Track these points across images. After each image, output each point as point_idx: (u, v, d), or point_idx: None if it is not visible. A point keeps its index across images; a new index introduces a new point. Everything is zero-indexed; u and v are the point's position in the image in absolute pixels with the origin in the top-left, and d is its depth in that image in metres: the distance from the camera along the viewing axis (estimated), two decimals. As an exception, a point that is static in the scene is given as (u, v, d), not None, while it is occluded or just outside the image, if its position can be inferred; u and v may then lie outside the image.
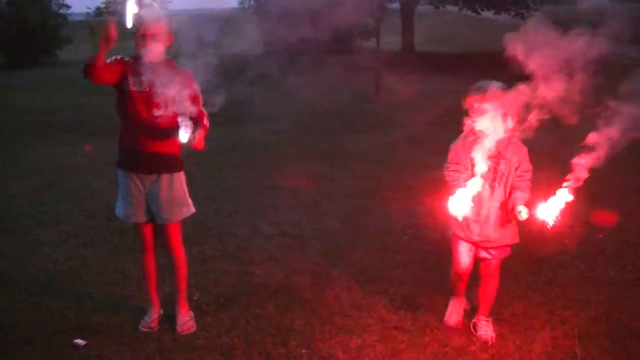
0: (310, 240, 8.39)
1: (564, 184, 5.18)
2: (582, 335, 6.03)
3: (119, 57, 5.80)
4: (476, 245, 6.03)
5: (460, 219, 5.64)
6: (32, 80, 24.44)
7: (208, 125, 5.89)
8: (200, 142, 5.72)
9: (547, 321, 6.30)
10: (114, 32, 5.41)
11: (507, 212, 5.82)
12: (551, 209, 5.28)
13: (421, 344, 5.96)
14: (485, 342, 5.99)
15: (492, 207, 5.86)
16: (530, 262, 7.46)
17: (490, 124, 5.59)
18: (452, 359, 5.77)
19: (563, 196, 5.22)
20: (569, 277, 7.27)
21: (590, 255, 7.80)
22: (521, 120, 5.37)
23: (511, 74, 5.05)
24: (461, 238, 6.03)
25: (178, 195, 6.06)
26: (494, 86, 5.65)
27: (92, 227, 8.85)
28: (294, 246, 8.26)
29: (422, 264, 7.65)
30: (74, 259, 7.86)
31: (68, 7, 35.55)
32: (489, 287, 6.17)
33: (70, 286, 7.14)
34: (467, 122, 5.78)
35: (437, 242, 8.18)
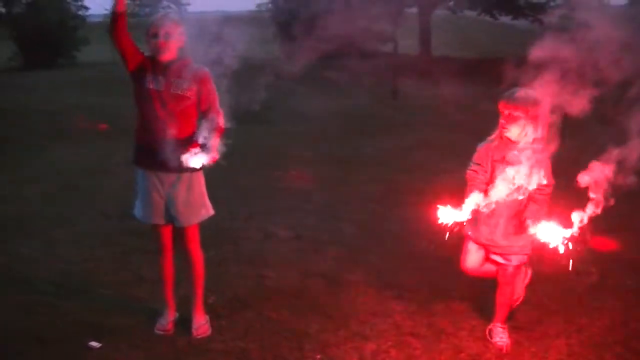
0: (326, 245, 8.39)
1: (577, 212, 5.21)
2: (598, 344, 6.01)
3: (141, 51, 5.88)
4: (485, 247, 6.07)
5: (464, 221, 5.66)
6: (50, 81, 24.50)
7: (223, 125, 5.89)
8: (214, 158, 5.76)
9: (562, 329, 6.27)
10: None
11: (520, 222, 5.80)
12: (561, 235, 5.32)
13: (436, 350, 5.94)
14: (500, 350, 5.97)
15: (504, 214, 5.86)
16: (547, 270, 7.41)
17: (518, 131, 5.66)
18: (467, 365, 5.75)
19: (575, 222, 5.23)
20: (585, 286, 7.23)
21: (606, 263, 7.76)
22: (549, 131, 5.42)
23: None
24: (470, 237, 6.09)
25: (197, 197, 6.06)
26: (527, 94, 5.61)
27: (107, 227, 8.88)
28: (309, 250, 8.25)
29: (438, 269, 7.61)
30: (88, 259, 7.89)
31: (87, 8, 35.71)
32: (505, 294, 6.15)
33: (84, 287, 7.16)
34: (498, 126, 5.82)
35: (454, 247, 8.14)
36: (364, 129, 16.03)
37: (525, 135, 5.66)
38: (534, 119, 5.59)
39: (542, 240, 5.44)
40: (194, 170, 5.91)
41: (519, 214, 5.82)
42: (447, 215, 5.64)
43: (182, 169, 5.82)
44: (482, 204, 5.61)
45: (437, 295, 6.97)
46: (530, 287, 6.63)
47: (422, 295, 6.99)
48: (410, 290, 7.09)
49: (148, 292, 6.91)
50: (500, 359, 5.80)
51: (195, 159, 5.65)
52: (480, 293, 6.70)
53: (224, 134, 5.88)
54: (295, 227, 9.00)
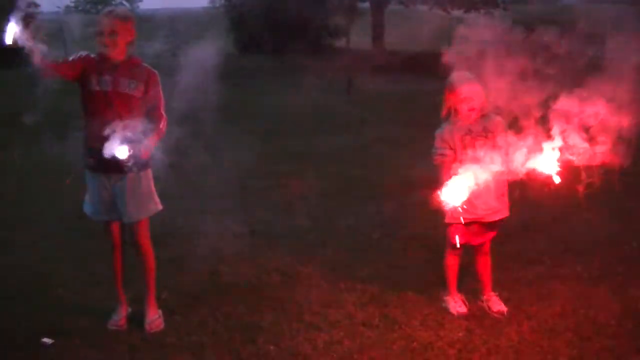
0: (281, 240, 8.41)
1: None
2: (549, 330, 6.08)
3: (84, 54, 5.82)
4: (480, 221, 6.27)
5: (458, 207, 5.79)
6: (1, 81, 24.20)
7: (164, 130, 5.90)
8: (146, 152, 5.75)
9: (513, 317, 6.33)
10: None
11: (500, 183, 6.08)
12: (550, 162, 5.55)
13: (389, 340, 5.97)
14: (503, 313, 6.33)
15: (494, 182, 6.01)
16: (499, 258, 7.48)
17: (476, 107, 5.99)
18: (419, 354, 5.78)
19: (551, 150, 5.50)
20: (536, 274, 7.32)
21: (558, 252, 7.87)
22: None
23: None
24: (460, 223, 6.19)
25: (145, 193, 6.05)
26: (468, 76, 5.98)
27: (64, 229, 8.80)
28: (264, 245, 8.26)
29: (391, 261, 7.68)
30: (45, 261, 7.82)
31: (37, 5, 35.29)
32: (489, 262, 6.58)
33: (41, 289, 7.10)
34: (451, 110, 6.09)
35: (406, 239, 8.24)
36: (319, 125, 16.04)
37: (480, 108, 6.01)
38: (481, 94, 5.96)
39: (539, 170, 5.62)
40: (141, 169, 5.90)
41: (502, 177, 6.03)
42: (451, 197, 5.69)
43: (129, 170, 5.80)
44: (476, 181, 5.71)
45: (390, 286, 7.01)
46: (479, 278, 6.70)
47: (374, 286, 7.02)
48: (363, 282, 7.12)
49: (105, 292, 6.86)
50: (453, 347, 5.84)
51: (120, 150, 5.60)
52: (432, 284, 6.76)
53: (163, 135, 5.92)
54: (250, 222, 9.00)
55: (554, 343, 5.89)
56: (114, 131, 5.60)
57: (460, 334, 6.05)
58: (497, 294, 6.61)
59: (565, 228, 8.49)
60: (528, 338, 5.97)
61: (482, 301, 6.57)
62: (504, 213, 6.32)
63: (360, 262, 7.71)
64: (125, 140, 5.59)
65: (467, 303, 6.51)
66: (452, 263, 6.51)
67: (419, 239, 8.15)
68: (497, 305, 6.47)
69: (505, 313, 6.36)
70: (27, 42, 5.42)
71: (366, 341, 5.96)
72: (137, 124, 5.70)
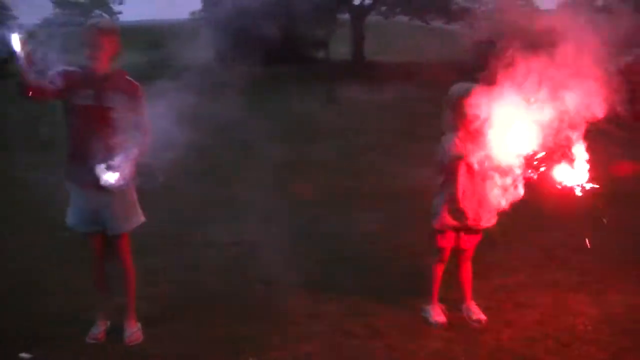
0: (265, 250, 8.40)
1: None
2: (529, 338, 6.13)
3: (62, 69, 5.79)
4: (465, 229, 6.35)
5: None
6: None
7: (148, 144, 5.92)
8: (132, 170, 5.79)
9: (493, 325, 6.39)
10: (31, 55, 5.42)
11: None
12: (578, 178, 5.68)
13: (370, 350, 6.02)
14: (481, 322, 6.41)
15: (481, 187, 6.17)
16: (479, 267, 7.53)
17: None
18: (401, 364, 5.84)
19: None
20: (516, 282, 7.38)
21: (537, 260, 7.93)
22: None
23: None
24: (448, 230, 6.32)
25: (129, 206, 6.09)
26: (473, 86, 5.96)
27: (51, 239, 8.76)
28: (249, 256, 8.27)
29: (374, 271, 7.72)
30: (32, 271, 7.83)
31: (15, 18, 35.18)
32: (470, 269, 6.67)
33: (26, 299, 7.11)
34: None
35: (390, 249, 8.28)
36: (302, 134, 16.06)
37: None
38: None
39: (560, 181, 5.72)
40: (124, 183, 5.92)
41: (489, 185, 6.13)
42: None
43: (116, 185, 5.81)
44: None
45: (372, 296, 7.05)
46: (461, 285, 6.76)
47: (357, 296, 7.06)
48: (346, 292, 7.16)
49: (89, 302, 6.86)
50: (434, 356, 5.89)
51: (108, 175, 5.63)
52: (414, 294, 6.80)
53: (147, 150, 5.95)
54: (235, 233, 9.01)
55: (534, 351, 5.95)
56: (99, 156, 5.63)
57: (441, 344, 6.09)
58: (476, 303, 6.67)
59: (544, 236, 8.56)
60: (507, 346, 6.02)
61: (462, 310, 6.62)
62: (491, 221, 6.38)
63: (342, 272, 7.75)
64: (112, 165, 5.62)
65: (446, 313, 6.56)
66: (437, 271, 6.55)
67: (402, 249, 8.19)
68: (476, 314, 6.52)
69: (484, 322, 6.42)
70: (24, 56, 5.40)
71: (348, 351, 6.00)
72: (120, 140, 5.71)
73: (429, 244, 6.61)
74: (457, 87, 6.17)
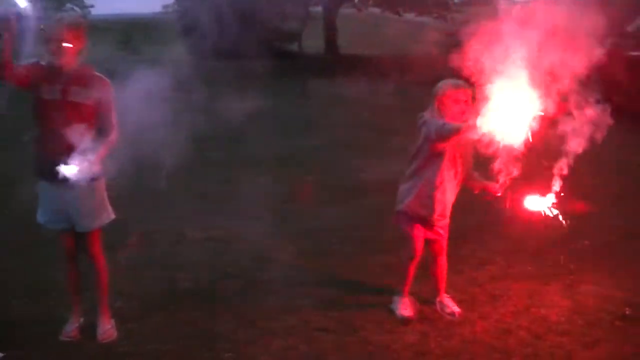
0: (237, 245, 8.41)
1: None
2: (503, 330, 6.17)
3: (33, 61, 5.76)
4: (430, 224, 6.34)
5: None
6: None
7: (116, 139, 5.87)
8: (96, 165, 5.73)
9: (467, 317, 6.42)
10: (14, 29, 5.39)
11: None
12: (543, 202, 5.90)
13: (344, 343, 6.03)
14: (455, 314, 6.44)
15: (452, 184, 6.23)
16: (453, 260, 7.55)
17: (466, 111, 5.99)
18: (375, 358, 5.84)
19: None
20: (489, 274, 7.42)
21: (510, 252, 7.96)
22: None
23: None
24: (415, 223, 6.30)
25: (97, 203, 6.03)
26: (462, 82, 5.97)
27: (19, 236, 8.71)
28: (220, 251, 8.26)
29: (346, 265, 7.73)
30: (1, 269, 7.76)
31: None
32: (444, 263, 6.65)
33: (-5, 299, 7.06)
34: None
35: (362, 243, 8.28)
36: (272, 129, 16.00)
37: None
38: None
39: (530, 209, 5.98)
40: (94, 178, 5.87)
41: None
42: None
43: (82, 181, 5.76)
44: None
45: (346, 290, 7.07)
46: (434, 279, 6.77)
47: (330, 291, 7.07)
48: (320, 287, 7.17)
49: (59, 300, 6.82)
50: (408, 350, 5.90)
51: (73, 170, 5.59)
52: (388, 287, 6.80)
53: (115, 145, 5.89)
54: (206, 228, 8.99)
55: (508, 343, 5.98)
56: (64, 148, 5.58)
57: (415, 337, 6.10)
58: (450, 295, 6.70)
59: (518, 228, 8.58)
60: (482, 338, 6.05)
61: (436, 303, 6.65)
62: (446, 219, 6.41)
63: (316, 266, 7.76)
64: (75, 157, 5.57)
65: (416, 307, 6.57)
66: (409, 266, 6.51)
67: (374, 243, 8.18)
68: (450, 306, 6.55)
69: (458, 314, 6.46)
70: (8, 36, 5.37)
71: (322, 346, 6.00)
72: (87, 135, 5.67)
73: (401, 237, 6.57)
74: (443, 83, 6.16)
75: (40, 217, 6.15)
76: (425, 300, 6.73)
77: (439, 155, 6.09)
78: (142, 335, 6.24)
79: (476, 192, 6.41)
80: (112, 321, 6.31)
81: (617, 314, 6.44)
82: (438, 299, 6.66)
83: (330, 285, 7.21)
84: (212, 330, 6.30)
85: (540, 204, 5.94)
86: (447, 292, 6.72)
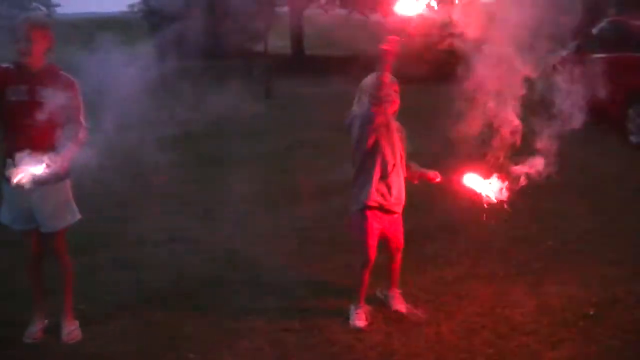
0: (201, 246, 8.38)
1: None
2: (468, 330, 6.17)
3: None
4: (387, 211, 6.32)
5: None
6: None
7: (83, 139, 5.85)
8: (63, 165, 5.68)
9: (432, 318, 6.42)
10: None
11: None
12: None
13: (309, 344, 6.02)
14: (399, 312, 6.49)
15: (398, 167, 6.26)
16: (418, 260, 7.58)
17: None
18: (341, 358, 5.84)
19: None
20: (455, 275, 7.41)
21: (476, 252, 7.97)
22: None
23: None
24: (375, 214, 6.27)
25: (63, 203, 6.00)
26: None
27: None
28: (184, 252, 8.23)
29: (312, 265, 7.72)
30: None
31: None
32: (399, 262, 6.67)
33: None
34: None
35: (327, 244, 8.27)
36: (238, 129, 15.96)
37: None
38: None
39: (477, 191, 6.00)
40: (60, 179, 5.84)
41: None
42: None
43: (47, 181, 5.71)
44: None
45: (311, 290, 7.06)
46: (400, 278, 6.77)
47: (296, 291, 7.06)
48: (284, 287, 7.16)
49: (24, 304, 6.74)
50: (373, 350, 5.90)
51: (37, 168, 5.51)
52: (352, 288, 6.76)
53: (83, 145, 5.87)
54: (170, 229, 8.95)
55: (472, 343, 5.98)
56: (29, 148, 5.51)
57: (380, 337, 6.10)
58: (417, 295, 6.74)
59: (483, 229, 8.60)
60: (447, 339, 6.05)
61: (384, 296, 6.72)
62: (403, 202, 6.41)
63: (280, 267, 7.74)
64: (41, 158, 5.51)
65: (370, 316, 6.49)
66: (364, 273, 6.44)
67: (339, 244, 8.16)
68: (398, 303, 6.60)
69: (403, 312, 6.50)
70: None
71: (287, 346, 5.99)
72: (55, 135, 5.63)
73: (355, 242, 6.55)
74: (370, 76, 6.16)
75: (4, 218, 6.09)
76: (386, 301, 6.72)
77: (379, 141, 6.12)
78: (107, 336, 6.22)
79: (415, 181, 6.48)
80: (77, 322, 6.27)
81: (582, 313, 6.46)
82: (390, 293, 6.69)
83: (295, 286, 7.18)
84: (177, 331, 6.27)
85: (480, 185, 5.98)
86: (411, 292, 6.72)
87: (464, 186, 6.04)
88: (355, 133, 6.17)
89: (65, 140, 5.69)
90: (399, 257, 6.65)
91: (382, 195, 6.21)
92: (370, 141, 6.09)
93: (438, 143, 10.28)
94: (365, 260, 6.35)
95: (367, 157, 6.17)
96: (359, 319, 6.39)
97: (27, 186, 5.48)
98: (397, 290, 6.70)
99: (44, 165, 5.49)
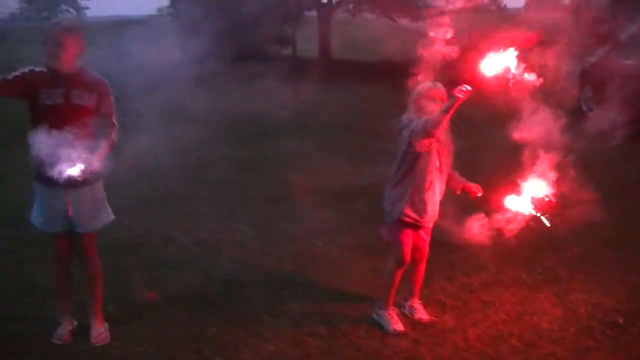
0: (224, 248, 8.37)
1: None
2: (494, 337, 6.13)
3: (27, 69, 5.72)
4: (421, 228, 6.33)
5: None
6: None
7: (116, 139, 5.87)
8: (98, 165, 5.68)
9: (459, 324, 6.38)
10: None
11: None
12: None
13: (333, 348, 6.00)
14: (422, 321, 6.43)
15: (440, 184, 6.23)
16: (444, 267, 7.55)
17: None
18: (364, 363, 5.81)
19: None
20: (481, 281, 7.36)
21: (502, 259, 7.90)
22: None
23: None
24: (409, 227, 6.25)
25: (98, 203, 6.03)
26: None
27: (10, 237, 8.65)
28: (208, 254, 8.22)
29: (334, 269, 7.68)
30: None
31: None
32: (423, 269, 6.61)
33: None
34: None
35: (349, 247, 8.24)
36: (263, 132, 15.97)
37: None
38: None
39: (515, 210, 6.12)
40: (94, 181, 5.87)
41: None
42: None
43: (82, 183, 5.73)
44: None
45: (335, 294, 7.04)
46: (427, 284, 6.74)
47: (318, 295, 7.04)
48: (308, 291, 7.13)
49: (42, 300, 6.76)
50: (398, 355, 5.86)
51: (74, 169, 5.53)
52: (376, 292, 6.73)
53: (115, 145, 5.89)
54: (194, 231, 8.94)
55: (499, 350, 5.95)
56: (65, 148, 5.52)
57: (406, 343, 6.07)
58: (443, 301, 6.72)
59: (508, 236, 8.56)
60: (473, 345, 6.02)
61: (405, 307, 6.64)
62: (435, 219, 6.41)
63: (303, 270, 7.72)
64: (77, 157, 5.52)
65: (401, 318, 6.49)
66: (396, 275, 6.42)
67: (362, 247, 8.14)
68: (419, 313, 6.55)
69: (425, 321, 6.45)
70: None
71: (311, 350, 5.97)
72: (89, 137, 5.64)
73: (387, 246, 6.55)
74: (420, 86, 6.16)
75: (36, 220, 6.07)
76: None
77: (425, 156, 6.07)
78: (132, 338, 6.21)
79: (458, 192, 6.42)
80: (106, 324, 6.28)
81: (609, 322, 6.41)
82: (409, 303, 6.63)
83: (318, 289, 7.17)
84: (201, 334, 6.26)
85: (520, 204, 6.07)
86: (438, 298, 6.69)
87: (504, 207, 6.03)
88: (402, 144, 6.12)
89: (99, 141, 5.70)
90: (422, 267, 6.60)
91: (417, 211, 6.19)
92: (412, 165, 6.10)
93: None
94: (400, 260, 6.32)
95: (407, 173, 6.15)
96: (396, 323, 6.36)
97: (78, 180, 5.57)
98: (418, 302, 6.66)
99: (79, 166, 5.52)
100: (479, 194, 6.25)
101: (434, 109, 5.94)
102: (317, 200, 10.28)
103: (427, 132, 5.84)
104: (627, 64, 14.49)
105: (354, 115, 16.97)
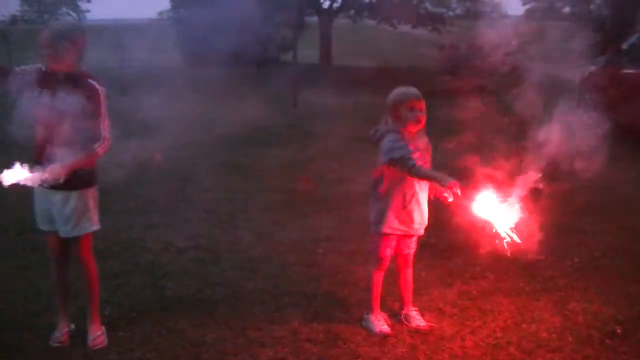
0: (225, 254, 8.36)
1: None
2: (492, 346, 6.13)
3: (29, 67, 5.80)
4: (407, 236, 6.35)
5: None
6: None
7: (101, 149, 5.80)
8: (59, 176, 5.61)
9: (457, 332, 6.37)
10: None
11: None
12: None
13: (333, 356, 5.98)
14: (420, 329, 6.39)
15: (424, 191, 6.22)
16: (443, 274, 7.55)
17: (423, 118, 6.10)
18: (364, 370, 5.80)
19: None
20: (480, 289, 7.36)
21: (501, 267, 7.89)
22: None
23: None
24: (393, 235, 6.27)
25: (79, 210, 5.96)
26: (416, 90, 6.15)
27: (3, 241, 8.67)
28: (208, 260, 8.21)
29: (335, 277, 7.68)
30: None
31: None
32: (410, 276, 6.60)
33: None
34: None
35: (350, 255, 8.24)
36: (264, 138, 15.99)
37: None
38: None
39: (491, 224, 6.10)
40: (85, 186, 5.89)
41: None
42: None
43: (72, 187, 5.76)
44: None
45: (334, 302, 7.03)
46: (426, 292, 6.75)
47: (318, 302, 7.03)
48: (308, 298, 7.13)
49: (45, 306, 6.78)
50: (396, 363, 5.88)
51: (49, 171, 5.53)
52: (359, 300, 6.75)
53: (98, 155, 5.86)
54: (194, 237, 8.94)
55: (497, 358, 5.94)
56: (53, 156, 5.55)
57: (405, 350, 6.06)
58: (442, 309, 6.69)
59: (508, 244, 8.56)
60: (471, 353, 6.01)
61: (401, 316, 6.62)
62: (425, 225, 6.42)
63: (304, 277, 7.71)
64: (57, 163, 5.53)
65: (388, 321, 6.52)
66: (377, 278, 6.49)
67: (362, 254, 8.13)
68: (416, 320, 6.53)
69: (424, 328, 6.43)
70: None
71: (310, 357, 5.96)
72: (68, 144, 5.62)
73: (370, 252, 6.59)
74: (394, 92, 6.18)
75: (36, 220, 6.14)
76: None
77: (398, 176, 6.11)
78: (130, 342, 6.21)
79: (430, 197, 6.35)
80: (103, 328, 6.28)
81: (608, 331, 6.41)
82: (404, 312, 6.62)
83: (317, 296, 7.16)
84: (199, 340, 6.26)
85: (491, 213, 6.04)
86: (436, 305, 6.69)
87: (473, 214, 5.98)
88: (382, 158, 6.12)
89: (77, 150, 5.68)
90: (408, 273, 6.61)
91: (403, 223, 6.22)
92: (393, 179, 6.14)
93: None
94: (378, 263, 6.39)
95: (388, 187, 6.18)
96: (382, 325, 6.40)
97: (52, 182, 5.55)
98: (413, 309, 6.64)
99: (31, 174, 5.50)
100: (450, 200, 5.96)
101: (412, 120, 5.97)
102: (317, 207, 10.29)
103: (405, 172, 5.95)
104: (627, 72, 14.52)
105: (354, 122, 16.95)
